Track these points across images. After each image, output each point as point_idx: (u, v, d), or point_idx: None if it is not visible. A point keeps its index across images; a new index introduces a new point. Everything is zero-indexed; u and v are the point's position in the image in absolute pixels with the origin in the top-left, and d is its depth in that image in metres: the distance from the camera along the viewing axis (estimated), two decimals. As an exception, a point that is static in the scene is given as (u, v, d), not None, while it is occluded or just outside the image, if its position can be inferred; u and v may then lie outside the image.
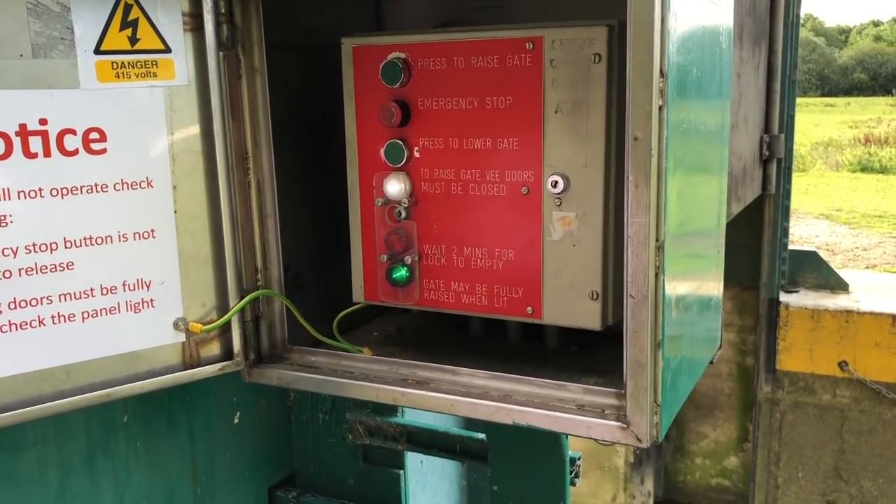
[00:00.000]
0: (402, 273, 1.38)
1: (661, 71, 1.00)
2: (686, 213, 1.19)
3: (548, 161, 1.24)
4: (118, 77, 1.18)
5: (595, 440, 1.14)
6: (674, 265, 1.10)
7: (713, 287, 1.45)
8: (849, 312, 4.11)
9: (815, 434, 4.28)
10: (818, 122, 22.43)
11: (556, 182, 1.23)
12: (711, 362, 1.46)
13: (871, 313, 4.08)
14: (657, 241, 1.04)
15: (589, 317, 1.27)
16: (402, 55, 1.31)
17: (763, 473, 4.40)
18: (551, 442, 1.67)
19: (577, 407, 1.17)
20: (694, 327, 1.33)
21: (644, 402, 1.08)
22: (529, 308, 1.30)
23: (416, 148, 1.34)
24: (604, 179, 1.22)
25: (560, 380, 1.22)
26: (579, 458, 1.78)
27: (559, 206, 1.25)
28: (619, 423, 1.11)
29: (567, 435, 1.58)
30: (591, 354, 1.37)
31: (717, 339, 1.53)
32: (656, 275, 1.05)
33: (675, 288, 1.13)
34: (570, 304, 1.27)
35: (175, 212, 1.26)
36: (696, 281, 1.32)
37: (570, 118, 1.21)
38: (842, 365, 4.14)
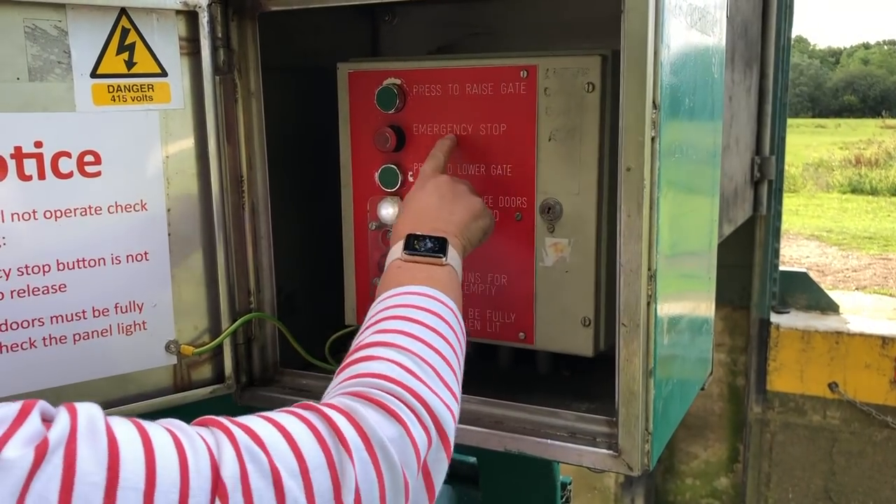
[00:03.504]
0: (394, 297, 1.38)
1: (653, 102, 1.01)
2: (678, 236, 1.20)
3: (541, 188, 1.25)
4: (114, 100, 1.18)
5: (587, 468, 1.14)
6: (665, 288, 1.11)
7: (705, 309, 1.46)
8: (839, 334, 4.13)
9: (805, 455, 4.28)
10: (809, 144, 22.59)
11: (549, 208, 1.24)
12: (703, 388, 1.47)
13: (861, 335, 4.10)
14: (649, 270, 1.05)
15: (581, 343, 1.27)
16: (398, 81, 1.32)
17: (753, 494, 4.40)
18: (542, 467, 1.67)
19: (568, 434, 1.17)
20: (686, 353, 1.33)
21: (636, 431, 1.08)
22: (521, 333, 1.31)
23: (411, 173, 1.34)
24: (596, 206, 1.23)
25: (552, 405, 1.22)
26: (570, 483, 1.78)
27: (552, 232, 1.25)
28: (611, 452, 1.11)
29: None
30: (583, 380, 1.37)
31: (709, 364, 1.54)
32: (648, 303, 1.05)
33: (667, 312, 1.13)
34: (561, 329, 1.28)
35: (168, 234, 1.26)
36: (688, 304, 1.33)
37: (564, 146, 1.22)
38: (832, 386, 4.16)
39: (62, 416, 0.62)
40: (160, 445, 0.64)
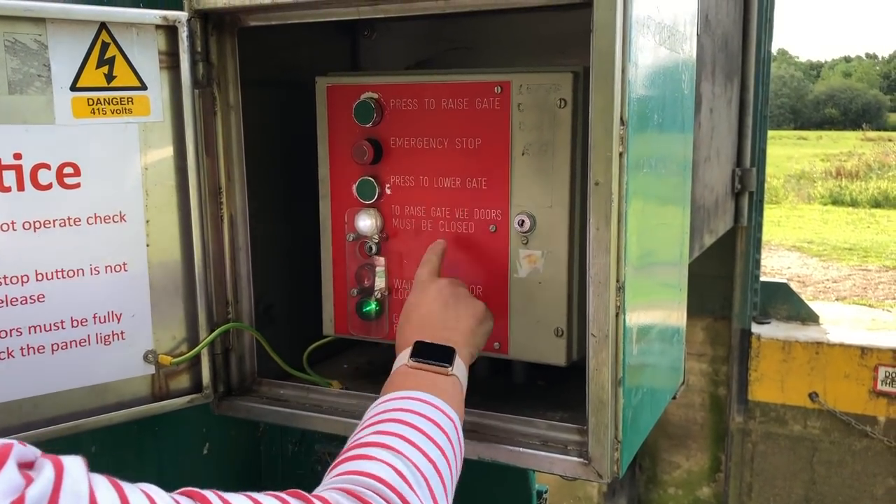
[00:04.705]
0: (371, 307, 1.40)
1: (621, 119, 1.03)
2: (648, 248, 1.23)
3: (515, 201, 1.28)
4: (94, 113, 1.20)
5: (558, 475, 1.16)
6: (635, 298, 1.13)
7: (676, 319, 1.49)
8: (819, 344, 4.17)
9: (786, 465, 4.31)
10: (791, 155, 22.82)
11: (523, 221, 1.27)
12: (674, 398, 1.49)
13: (840, 345, 4.15)
14: (618, 281, 1.07)
15: (554, 353, 1.30)
16: (375, 95, 1.34)
17: (735, 504, 4.43)
18: (518, 475, 1.69)
19: (540, 443, 1.19)
20: (656, 362, 1.36)
21: (605, 439, 1.10)
22: (496, 343, 1.33)
23: (388, 185, 1.37)
24: (569, 219, 1.25)
25: (526, 414, 1.24)
26: (546, 492, 1.79)
27: (525, 244, 1.28)
28: (581, 460, 1.13)
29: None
30: (557, 389, 1.39)
31: (681, 374, 1.56)
32: (617, 314, 1.08)
33: (636, 323, 1.16)
34: (535, 340, 1.30)
35: (147, 245, 1.27)
36: (659, 314, 1.36)
37: (537, 160, 1.25)
38: (812, 396, 4.20)
39: (46, 472, 0.60)
40: None
